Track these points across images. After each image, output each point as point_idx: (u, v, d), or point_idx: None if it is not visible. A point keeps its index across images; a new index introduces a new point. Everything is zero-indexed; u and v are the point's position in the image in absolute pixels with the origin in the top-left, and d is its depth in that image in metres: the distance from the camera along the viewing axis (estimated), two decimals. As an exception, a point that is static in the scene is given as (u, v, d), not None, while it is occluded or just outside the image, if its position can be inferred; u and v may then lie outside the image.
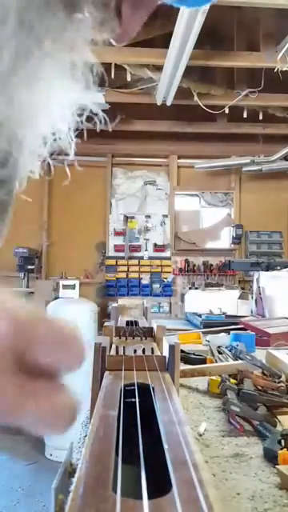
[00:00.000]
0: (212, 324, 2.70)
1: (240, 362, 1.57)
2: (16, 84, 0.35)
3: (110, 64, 4.09)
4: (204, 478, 0.40)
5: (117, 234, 6.97)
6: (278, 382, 1.37)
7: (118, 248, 6.94)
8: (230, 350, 1.81)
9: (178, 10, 3.15)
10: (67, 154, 0.44)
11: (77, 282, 4.32)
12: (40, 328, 0.26)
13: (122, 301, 1.98)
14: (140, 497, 0.37)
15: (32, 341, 0.26)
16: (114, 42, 0.44)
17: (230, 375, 1.43)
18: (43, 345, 0.26)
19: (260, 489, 0.83)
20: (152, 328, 1.18)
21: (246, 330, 2.30)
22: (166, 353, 0.85)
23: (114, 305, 1.64)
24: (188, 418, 1.18)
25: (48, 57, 0.36)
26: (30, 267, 6.18)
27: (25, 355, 0.26)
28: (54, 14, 0.36)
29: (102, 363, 0.79)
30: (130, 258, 6.91)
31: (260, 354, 1.85)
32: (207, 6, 2.93)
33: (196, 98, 4.90)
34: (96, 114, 0.44)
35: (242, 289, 4.73)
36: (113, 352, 0.93)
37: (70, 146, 0.43)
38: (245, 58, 4.40)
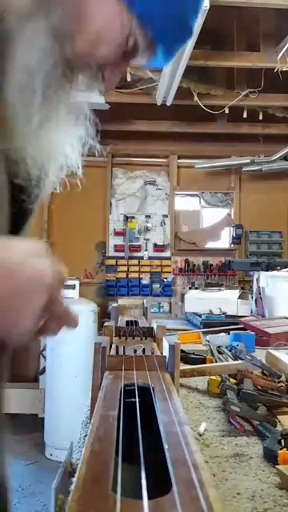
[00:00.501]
0: (212, 324, 2.71)
1: (240, 361, 1.57)
2: (43, 133, 0.56)
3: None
4: (204, 478, 0.40)
5: (117, 233, 6.96)
6: (278, 382, 1.37)
7: (117, 248, 6.93)
8: (230, 350, 1.81)
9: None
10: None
11: (77, 282, 4.32)
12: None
13: (121, 301, 1.98)
14: (140, 496, 0.37)
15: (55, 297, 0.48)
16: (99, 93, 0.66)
17: (229, 375, 1.43)
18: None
19: (260, 489, 0.83)
20: (152, 328, 1.18)
21: (245, 330, 2.30)
22: (165, 353, 0.86)
23: (114, 305, 1.64)
24: (188, 417, 1.18)
25: (61, 114, 0.58)
26: (30, 267, 6.15)
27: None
28: (63, 88, 0.58)
29: (102, 363, 0.79)
30: (130, 257, 6.90)
31: (260, 353, 1.85)
32: (207, 7, 2.93)
33: (196, 98, 4.90)
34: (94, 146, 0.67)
35: (242, 289, 4.72)
36: (113, 352, 0.93)
37: (77, 168, 0.65)
38: (245, 58, 4.40)
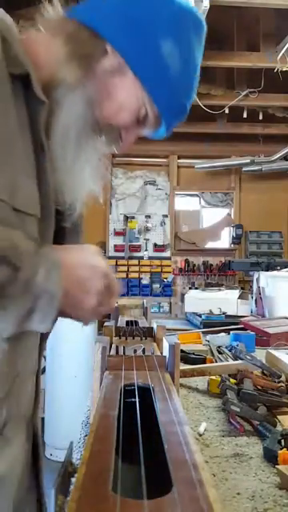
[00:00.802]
0: (212, 324, 2.70)
1: (240, 361, 1.57)
2: (76, 169, 0.75)
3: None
4: (204, 478, 0.40)
5: (117, 233, 6.96)
6: (278, 382, 1.37)
7: (117, 248, 6.93)
8: (230, 350, 1.81)
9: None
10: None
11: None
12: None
13: (122, 301, 1.98)
14: (140, 496, 0.37)
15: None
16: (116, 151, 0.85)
17: (229, 375, 1.43)
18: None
19: (260, 489, 0.83)
20: (152, 328, 1.18)
21: (245, 330, 2.30)
22: (166, 353, 0.86)
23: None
24: (188, 417, 1.18)
25: (88, 156, 0.76)
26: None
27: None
28: (91, 138, 0.76)
29: (102, 363, 0.79)
30: (130, 257, 6.90)
31: (260, 353, 1.85)
32: (207, 7, 2.93)
33: (196, 98, 4.90)
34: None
35: (242, 289, 4.72)
36: (113, 352, 0.93)
37: (99, 194, 0.81)
38: (245, 58, 4.40)
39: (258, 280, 3.33)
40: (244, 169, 6.53)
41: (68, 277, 0.62)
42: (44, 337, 0.77)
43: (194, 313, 3.14)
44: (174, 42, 0.74)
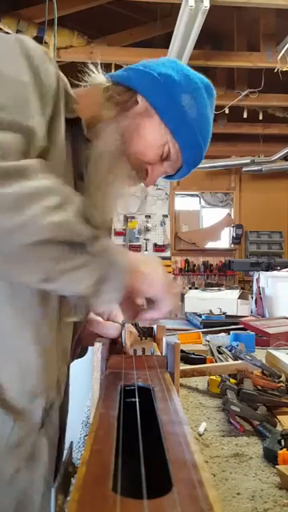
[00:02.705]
0: (212, 324, 2.70)
1: (240, 361, 1.57)
2: (108, 194, 0.87)
3: (111, 64, 4.09)
4: (204, 478, 0.40)
5: (117, 234, 6.97)
6: (278, 382, 1.37)
7: (117, 248, 6.94)
8: (230, 350, 1.81)
9: (178, 10, 3.15)
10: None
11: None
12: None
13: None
14: (140, 496, 0.37)
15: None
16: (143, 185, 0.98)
17: (229, 375, 1.43)
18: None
19: (260, 489, 0.83)
20: (152, 328, 1.18)
21: (245, 330, 2.30)
22: (166, 353, 0.86)
23: (114, 305, 1.63)
24: (188, 417, 1.18)
25: (117, 182, 0.87)
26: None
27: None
28: (122, 167, 0.87)
29: (102, 363, 0.79)
30: (130, 257, 6.91)
31: (260, 353, 1.85)
32: (207, 7, 2.93)
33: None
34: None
35: (242, 289, 4.72)
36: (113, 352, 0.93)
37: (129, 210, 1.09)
38: (245, 58, 4.40)
39: (257, 280, 3.33)
40: (244, 169, 6.53)
41: (133, 267, 0.72)
42: (77, 329, 0.89)
43: (193, 313, 3.14)
44: (191, 96, 0.89)
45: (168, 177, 1.00)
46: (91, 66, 0.90)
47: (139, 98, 0.87)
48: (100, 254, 0.65)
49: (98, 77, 0.91)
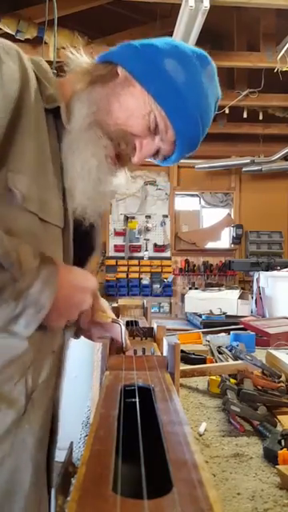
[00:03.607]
0: (212, 324, 2.71)
1: (240, 362, 1.57)
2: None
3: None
4: (204, 478, 0.40)
5: (117, 234, 6.97)
6: (278, 382, 1.37)
7: (118, 248, 6.94)
8: (230, 350, 1.81)
9: (178, 10, 3.15)
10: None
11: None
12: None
13: (122, 301, 1.98)
14: (140, 496, 0.37)
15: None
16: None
17: (229, 375, 1.43)
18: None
19: (260, 489, 0.83)
20: (152, 328, 1.18)
21: (246, 330, 2.30)
22: (166, 353, 0.86)
23: (115, 305, 1.64)
24: (188, 417, 1.18)
25: (95, 150, 0.82)
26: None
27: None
28: (98, 137, 0.82)
29: (102, 363, 0.79)
30: (130, 258, 6.90)
31: (260, 354, 1.85)
32: (207, 7, 2.93)
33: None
34: None
35: (242, 289, 4.72)
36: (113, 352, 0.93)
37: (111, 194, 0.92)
38: (245, 58, 4.39)
39: (257, 280, 3.33)
40: (244, 169, 6.52)
41: (60, 294, 0.71)
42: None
43: (194, 313, 3.14)
44: (177, 61, 0.83)
45: (166, 161, 0.94)
46: (74, 51, 0.87)
47: (119, 70, 0.84)
48: (16, 297, 0.66)
49: (81, 59, 0.87)
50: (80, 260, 0.92)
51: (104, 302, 1.05)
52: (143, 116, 0.83)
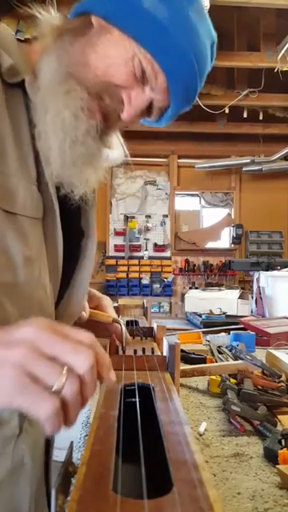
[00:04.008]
0: (212, 324, 2.71)
1: (240, 361, 1.57)
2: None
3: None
4: (204, 478, 0.40)
5: (117, 233, 6.97)
6: (278, 382, 1.37)
7: (118, 248, 6.94)
8: (230, 350, 1.81)
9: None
10: None
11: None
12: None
13: (122, 301, 1.98)
14: (140, 496, 0.37)
15: None
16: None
17: (230, 375, 1.43)
18: None
19: (260, 488, 0.83)
20: (152, 328, 1.18)
21: (246, 329, 2.30)
22: (166, 353, 0.85)
23: (115, 304, 1.63)
24: (188, 417, 1.18)
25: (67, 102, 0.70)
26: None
27: None
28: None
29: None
30: (130, 257, 6.91)
31: (260, 353, 1.85)
32: (207, 7, 2.93)
33: (196, 97, 4.89)
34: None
35: (242, 289, 4.72)
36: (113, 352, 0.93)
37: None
38: (245, 58, 4.40)
39: (258, 280, 3.33)
40: (244, 169, 6.53)
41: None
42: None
43: (194, 313, 3.14)
44: None
45: (164, 117, 0.81)
46: (41, 11, 0.76)
47: (93, 19, 0.74)
48: None
49: (51, 17, 0.76)
50: (71, 251, 0.80)
51: (107, 300, 1.01)
52: (125, 62, 0.72)
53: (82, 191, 0.76)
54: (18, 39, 0.78)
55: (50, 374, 0.44)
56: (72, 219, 0.81)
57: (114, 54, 0.72)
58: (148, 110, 0.78)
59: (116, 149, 0.86)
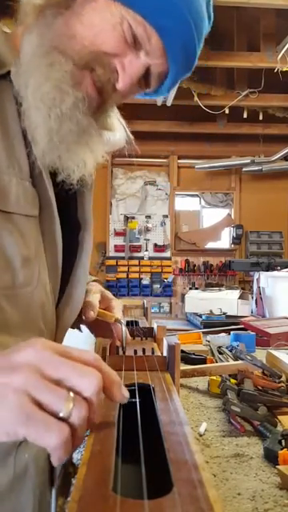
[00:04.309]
0: (212, 324, 2.70)
1: (240, 362, 1.57)
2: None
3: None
4: (204, 479, 0.40)
5: (117, 234, 6.97)
6: (279, 382, 1.37)
7: (118, 248, 6.94)
8: (231, 350, 1.81)
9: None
10: None
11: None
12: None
13: (122, 301, 1.98)
14: (140, 497, 0.37)
15: None
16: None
17: (230, 375, 1.42)
18: None
19: (260, 489, 0.83)
20: (152, 328, 1.18)
21: (246, 330, 2.30)
22: (166, 353, 0.85)
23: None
24: (188, 418, 1.18)
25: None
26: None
27: None
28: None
29: (102, 363, 0.79)
30: (131, 258, 6.91)
31: (260, 354, 1.85)
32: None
33: (196, 98, 4.90)
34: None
35: (243, 289, 4.72)
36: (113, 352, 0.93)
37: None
38: (245, 58, 4.40)
39: (258, 280, 3.33)
40: (244, 169, 6.53)
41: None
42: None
43: (194, 313, 3.14)
44: None
45: (164, 85, 0.76)
46: None
47: None
48: None
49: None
50: (69, 245, 0.77)
51: (116, 301, 1.00)
52: (113, 27, 0.67)
53: (79, 175, 0.72)
54: (3, 30, 0.74)
55: (55, 399, 0.40)
56: (68, 210, 0.78)
57: (100, 21, 0.67)
58: (146, 79, 0.73)
59: (118, 131, 0.81)
